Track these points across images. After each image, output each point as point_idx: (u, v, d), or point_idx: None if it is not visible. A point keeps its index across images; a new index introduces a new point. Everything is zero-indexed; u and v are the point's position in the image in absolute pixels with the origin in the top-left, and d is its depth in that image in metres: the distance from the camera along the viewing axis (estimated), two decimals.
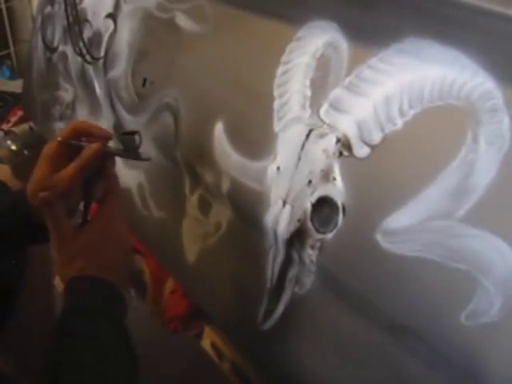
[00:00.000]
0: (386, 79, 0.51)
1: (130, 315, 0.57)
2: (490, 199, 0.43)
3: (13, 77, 2.10)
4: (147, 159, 0.60)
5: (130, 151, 0.58)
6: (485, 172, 0.44)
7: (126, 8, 0.95)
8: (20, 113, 1.74)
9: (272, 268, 0.63)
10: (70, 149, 0.58)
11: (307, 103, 0.59)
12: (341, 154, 0.55)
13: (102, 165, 0.59)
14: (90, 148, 0.56)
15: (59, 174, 0.55)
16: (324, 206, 0.56)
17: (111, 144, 0.60)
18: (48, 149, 0.58)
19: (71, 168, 0.55)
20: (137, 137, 0.57)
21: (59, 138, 0.58)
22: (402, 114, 0.50)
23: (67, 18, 1.10)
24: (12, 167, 1.56)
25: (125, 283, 0.59)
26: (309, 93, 0.60)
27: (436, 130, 0.48)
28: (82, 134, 0.58)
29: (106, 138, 0.58)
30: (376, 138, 0.52)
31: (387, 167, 0.51)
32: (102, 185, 0.60)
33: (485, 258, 0.43)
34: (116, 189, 0.60)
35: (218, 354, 0.89)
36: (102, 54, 1.01)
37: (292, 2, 0.64)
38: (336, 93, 0.56)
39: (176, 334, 1.03)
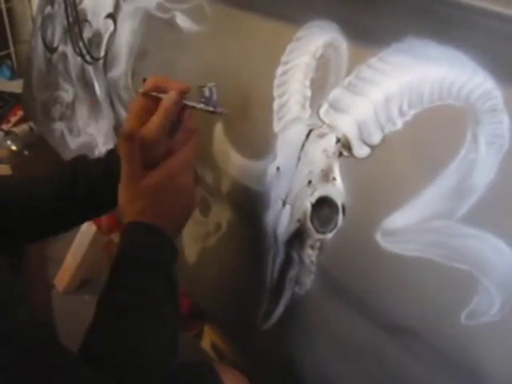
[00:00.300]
0: (385, 79, 0.51)
1: None
2: (489, 199, 0.43)
3: (13, 77, 2.10)
4: (223, 113, 0.60)
5: (208, 104, 0.59)
6: (485, 172, 0.44)
7: (125, 8, 0.95)
8: (20, 113, 1.74)
9: (272, 268, 0.63)
10: (152, 103, 0.59)
11: (307, 103, 0.59)
12: (341, 154, 0.55)
13: (179, 118, 0.60)
14: (168, 96, 0.57)
15: (147, 125, 0.57)
16: (324, 206, 0.56)
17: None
18: (132, 105, 0.60)
19: (155, 118, 0.57)
20: (214, 89, 0.58)
21: (140, 90, 0.60)
22: (401, 114, 0.50)
23: (67, 18, 1.10)
24: (12, 167, 1.56)
25: (177, 236, 0.58)
26: (309, 93, 0.60)
27: (436, 130, 0.48)
28: (161, 87, 0.59)
29: (183, 90, 0.59)
30: (376, 138, 0.52)
31: (387, 167, 0.51)
32: (179, 137, 0.60)
33: (485, 258, 0.43)
34: (192, 142, 0.60)
35: (218, 353, 0.89)
36: (102, 54, 1.01)
37: (292, 2, 0.64)
38: (336, 93, 0.56)
39: None
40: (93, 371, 0.41)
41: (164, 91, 0.59)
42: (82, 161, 0.66)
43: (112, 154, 0.65)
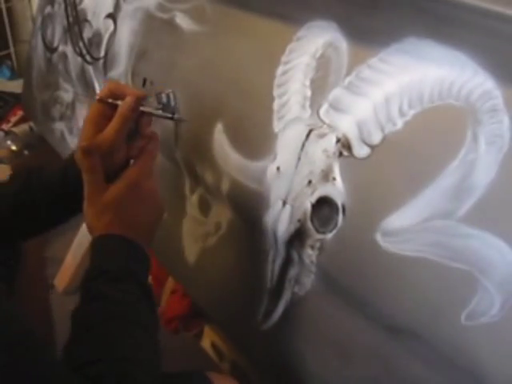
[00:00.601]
0: (385, 79, 0.51)
1: None
2: (489, 199, 0.43)
3: (13, 77, 2.10)
4: (180, 119, 0.60)
5: (165, 110, 0.59)
6: (485, 172, 0.44)
7: (125, 8, 0.95)
8: (20, 113, 1.74)
9: (272, 268, 0.63)
10: (109, 110, 0.59)
11: (307, 103, 0.59)
12: (341, 154, 0.55)
13: (137, 125, 0.60)
14: (125, 102, 0.57)
15: (104, 133, 0.57)
16: (324, 206, 0.56)
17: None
18: (90, 111, 0.60)
19: (112, 124, 0.57)
20: (171, 95, 0.59)
21: (97, 97, 0.60)
22: (401, 114, 0.50)
23: (67, 18, 1.10)
24: (12, 167, 1.56)
25: (149, 244, 0.58)
26: (309, 93, 0.60)
27: (436, 130, 0.48)
28: (118, 94, 0.60)
29: (139, 96, 0.59)
30: (376, 138, 0.52)
31: (387, 167, 0.51)
32: (138, 144, 0.60)
33: (485, 258, 0.43)
34: (150, 149, 0.60)
35: (218, 353, 0.89)
36: (102, 54, 1.01)
37: (292, 2, 0.64)
38: (336, 93, 0.56)
39: (176, 334, 1.03)
40: (81, 379, 0.41)
41: (120, 98, 0.59)
42: (37, 170, 0.66)
43: (68, 161, 0.64)
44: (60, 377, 0.40)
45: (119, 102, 0.58)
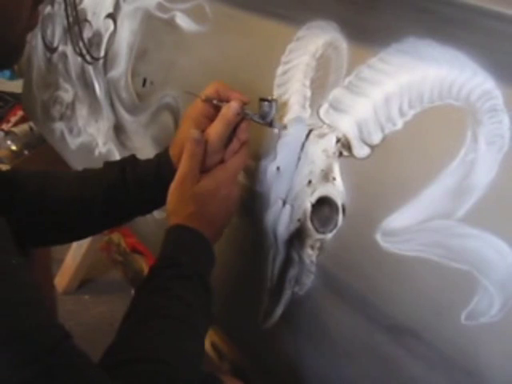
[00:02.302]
0: (385, 79, 0.51)
1: None
2: (490, 199, 0.43)
3: (13, 77, 2.10)
4: (281, 128, 0.60)
5: (265, 118, 0.59)
6: (485, 172, 0.44)
7: (125, 8, 0.95)
8: (20, 113, 1.74)
9: (272, 268, 0.63)
10: (211, 110, 0.60)
11: (307, 103, 0.59)
12: (341, 154, 0.55)
13: (235, 128, 0.60)
14: (231, 106, 0.57)
15: (206, 133, 0.58)
16: (324, 206, 0.56)
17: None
18: (191, 109, 0.61)
19: (216, 126, 0.57)
20: (274, 103, 0.58)
21: (203, 97, 0.60)
22: (401, 114, 0.50)
23: (67, 18, 1.10)
24: (12, 167, 1.56)
25: (216, 242, 0.59)
26: (309, 93, 0.60)
27: (436, 130, 0.48)
28: (222, 96, 0.60)
29: (244, 101, 0.59)
30: (376, 138, 0.52)
31: (387, 167, 0.51)
32: (233, 147, 0.60)
33: (485, 258, 0.43)
34: (242, 154, 0.60)
35: (218, 353, 0.89)
36: (102, 54, 1.01)
37: (292, 2, 0.64)
38: (336, 93, 0.56)
39: None
40: (114, 379, 0.40)
41: (225, 99, 0.59)
42: (132, 163, 0.65)
43: (162, 157, 0.64)
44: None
45: (223, 104, 0.58)
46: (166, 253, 0.54)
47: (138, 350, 0.46)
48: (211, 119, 0.59)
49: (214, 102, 0.59)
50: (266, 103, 0.58)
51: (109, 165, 0.66)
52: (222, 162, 0.60)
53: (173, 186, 0.57)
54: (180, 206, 0.57)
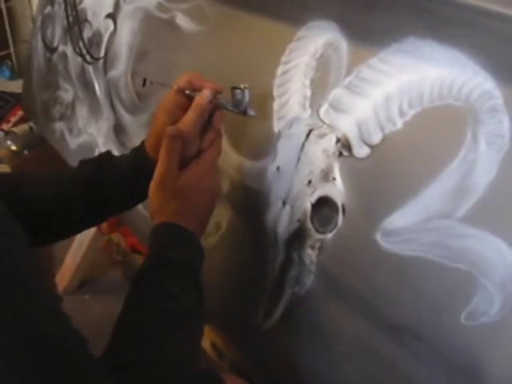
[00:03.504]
0: (385, 79, 0.51)
1: None
2: (490, 199, 0.43)
3: (13, 77, 2.10)
4: (253, 115, 0.59)
5: (239, 106, 0.59)
6: (485, 172, 0.44)
7: (125, 8, 0.95)
8: (20, 113, 1.74)
9: (272, 268, 0.63)
10: (184, 101, 0.59)
11: (307, 103, 0.59)
12: (341, 154, 0.55)
13: (210, 117, 0.60)
14: (203, 95, 0.57)
15: (180, 123, 0.57)
16: (324, 206, 0.56)
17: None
18: (165, 100, 0.60)
19: (190, 115, 0.57)
20: (246, 92, 0.58)
21: (175, 87, 0.59)
22: (401, 114, 0.50)
23: (67, 18, 1.10)
24: (12, 167, 1.56)
25: (202, 235, 0.59)
26: (309, 93, 0.60)
27: (436, 130, 0.48)
28: (195, 85, 0.59)
29: (217, 89, 0.59)
30: (376, 138, 0.52)
31: (387, 167, 0.51)
32: (209, 137, 0.60)
33: (485, 257, 0.43)
34: (217, 143, 0.60)
35: (218, 353, 0.89)
36: (102, 54, 1.01)
37: (292, 1, 0.64)
38: (336, 93, 0.56)
39: None
40: (118, 381, 0.41)
41: (198, 89, 0.59)
42: (107, 159, 0.65)
43: (138, 151, 0.64)
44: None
45: (196, 94, 0.58)
46: (155, 252, 0.54)
47: (135, 352, 0.46)
48: (185, 110, 0.59)
49: (187, 92, 0.59)
50: (238, 91, 0.58)
51: (84, 162, 0.66)
52: (198, 152, 0.60)
53: (153, 185, 0.57)
54: (162, 204, 0.56)
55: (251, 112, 0.59)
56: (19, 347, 0.35)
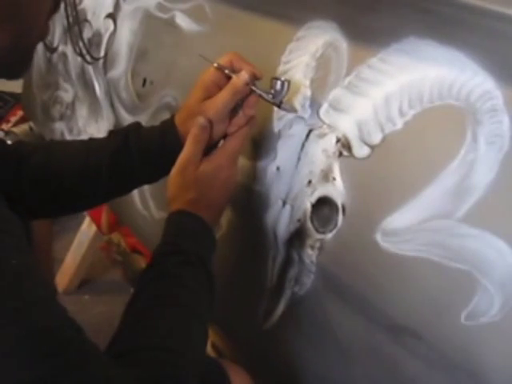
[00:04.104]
0: (385, 79, 0.51)
1: None
2: (489, 199, 0.43)
3: None
4: (289, 110, 0.59)
5: (275, 97, 0.58)
6: (485, 172, 0.44)
7: (125, 8, 0.95)
8: (20, 113, 1.74)
9: (272, 268, 0.63)
10: (222, 80, 0.59)
11: (307, 103, 0.59)
12: (341, 154, 0.55)
13: (243, 102, 0.59)
14: (240, 76, 0.57)
15: (212, 100, 0.58)
16: (324, 206, 0.56)
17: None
18: (203, 76, 0.60)
19: (223, 94, 0.57)
20: (286, 84, 0.57)
21: (215, 64, 0.59)
22: (401, 114, 0.50)
23: (67, 18, 1.10)
24: None
25: (216, 225, 0.60)
26: (308, 93, 0.60)
27: (436, 130, 0.48)
28: (235, 66, 0.59)
29: (255, 74, 0.58)
30: (376, 138, 0.52)
31: (387, 167, 0.51)
32: (238, 122, 0.60)
33: (485, 258, 0.43)
34: (241, 133, 0.60)
35: (218, 353, 0.89)
36: (102, 54, 1.01)
37: (292, 1, 0.64)
38: (336, 93, 0.56)
39: None
40: (120, 367, 0.41)
41: (237, 71, 0.58)
42: (136, 130, 0.64)
43: (167, 123, 0.63)
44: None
45: (234, 75, 0.58)
46: (169, 239, 0.55)
47: (145, 338, 0.46)
48: (221, 88, 0.58)
49: (226, 71, 0.59)
50: (279, 82, 0.57)
51: (113, 133, 0.66)
52: (224, 135, 0.60)
53: (174, 171, 0.57)
54: (180, 192, 0.57)
55: (287, 106, 0.59)
56: (16, 336, 0.35)
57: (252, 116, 0.60)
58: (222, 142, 0.61)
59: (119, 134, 0.64)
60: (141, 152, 0.62)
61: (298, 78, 0.61)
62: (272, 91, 0.58)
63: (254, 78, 0.58)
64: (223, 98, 0.57)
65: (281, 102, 0.58)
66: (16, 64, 0.50)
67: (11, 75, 0.52)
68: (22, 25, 0.46)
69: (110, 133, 0.66)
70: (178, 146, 0.59)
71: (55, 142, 0.68)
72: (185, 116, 0.60)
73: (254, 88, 0.58)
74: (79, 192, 0.64)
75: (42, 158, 0.64)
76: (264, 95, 0.58)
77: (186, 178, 0.57)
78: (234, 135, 0.59)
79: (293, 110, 0.60)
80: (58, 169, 0.63)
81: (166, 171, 0.62)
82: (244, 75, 0.57)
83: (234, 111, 0.59)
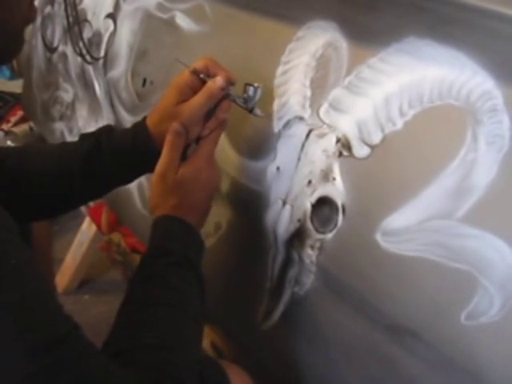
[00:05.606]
0: (385, 79, 0.51)
1: None
2: (490, 199, 0.43)
3: (13, 77, 2.10)
4: (260, 116, 0.60)
5: (247, 102, 0.59)
6: (485, 172, 0.44)
7: (125, 8, 0.95)
8: (20, 113, 1.74)
9: (272, 268, 0.63)
10: (197, 84, 0.60)
11: (307, 103, 0.59)
12: (340, 154, 0.55)
13: (216, 106, 0.60)
14: (216, 81, 0.58)
15: (187, 104, 0.58)
16: (324, 206, 0.56)
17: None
18: (178, 78, 0.61)
19: (198, 98, 0.58)
20: (259, 90, 0.59)
21: (191, 68, 0.60)
22: (401, 114, 0.50)
23: (67, 18, 1.10)
24: None
25: (202, 227, 0.60)
26: (309, 93, 0.60)
27: (436, 130, 0.48)
28: (211, 71, 0.60)
29: (230, 79, 0.59)
30: (376, 138, 0.52)
31: (387, 167, 0.51)
32: (211, 125, 0.61)
33: (485, 258, 0.43)
34: (217, 134, 0.61)
35: (218, 353, 0.89)
36: (102, 54, 1.01)
37: (292, 2, 0.64)
38: (336, 93, 0.56)
39: None
40: (115, 366, 0.41)
41: (212, 75, 0.59)
42: (107, 133, 0.64)
43: (138, 126, 0.63)
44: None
45: (209, 79, 0.59)
46: (156, 243, 0.55)
47: (139, 338, 0.46)
48: (195, 92, 0.59)
49: (201, 75, 0.60)
50: (252, 88, 0.59)
51: (84, 136, 0.66)
52: (198, 138, 0.61)
53: (154, 180, 0.58)
54: (163, 199, 0.57)
55: (258, 111, 0.60)
56: (12, 330, 0.35)
57: (224, 119, 0.61)
58: (193, 144, 0.62)
59: (91, 137, 0.64)
60: (113, 154, 0.62)
61: (297, 78, 0.61)
62: (245, 96, 0.59)
63: (229, 83, 0.59)
64: (199, 102, 0.58)
65: (253, 108, 0.59)
66: (4, 49, 0.53)
67: (0, 60, 0.54)
68: (4, 11, 0.49)
69: (81, 136, 0.66)
70: (150, 147, 0.60)
71: (30, 146, 0.69)
72: (158, 118, 0.61)
73: (228, 94, 0.59)
74: (52, 195, 0.65)
75: (16, 161, 0.64)
76: (237, 101, 0.60)
77: (166, 184, 0.57)
78: (208, 138, 0.60)
79: (264, 115, 0.61)
80: (30, 171, 0.64)
81: (140, 172, 0.64)
82: (219, 80, 0.58)
83: (207, 115, 0.60)
